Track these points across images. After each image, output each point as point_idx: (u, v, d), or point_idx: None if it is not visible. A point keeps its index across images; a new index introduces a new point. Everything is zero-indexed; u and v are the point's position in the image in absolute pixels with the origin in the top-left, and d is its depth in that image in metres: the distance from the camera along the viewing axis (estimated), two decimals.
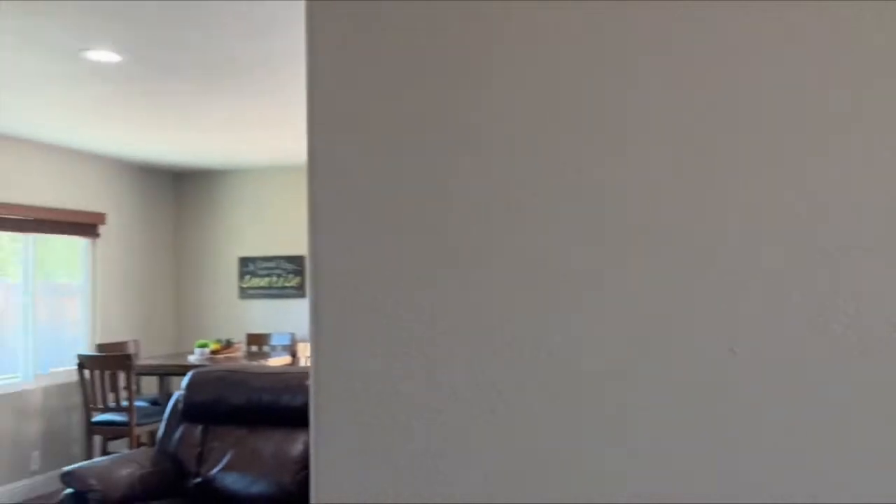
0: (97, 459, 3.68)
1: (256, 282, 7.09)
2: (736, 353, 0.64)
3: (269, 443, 3.54)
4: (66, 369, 5.91)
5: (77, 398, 5.87)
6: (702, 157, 0.66)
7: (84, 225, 6.19)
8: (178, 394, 3.88)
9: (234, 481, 3.47)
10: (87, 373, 5.43)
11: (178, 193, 7.37)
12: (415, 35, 0.73)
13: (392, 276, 0.72)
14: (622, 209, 0.67)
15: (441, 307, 0.70)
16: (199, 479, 3.54)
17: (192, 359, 5.75)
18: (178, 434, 3.73)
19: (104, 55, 3.42)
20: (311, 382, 0.73)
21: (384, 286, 0.72)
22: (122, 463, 3.55)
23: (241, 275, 7.14)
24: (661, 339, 0.65)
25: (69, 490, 3.37)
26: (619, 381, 0.66)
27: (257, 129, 5.15)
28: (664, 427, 0.65)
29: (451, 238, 0.71)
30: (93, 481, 3.34)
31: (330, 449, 0.72)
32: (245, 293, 7.13)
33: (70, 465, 4.77)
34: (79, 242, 6.27)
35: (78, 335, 6.24)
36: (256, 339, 6.68)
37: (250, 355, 6.13)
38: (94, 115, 4.66)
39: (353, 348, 0.72)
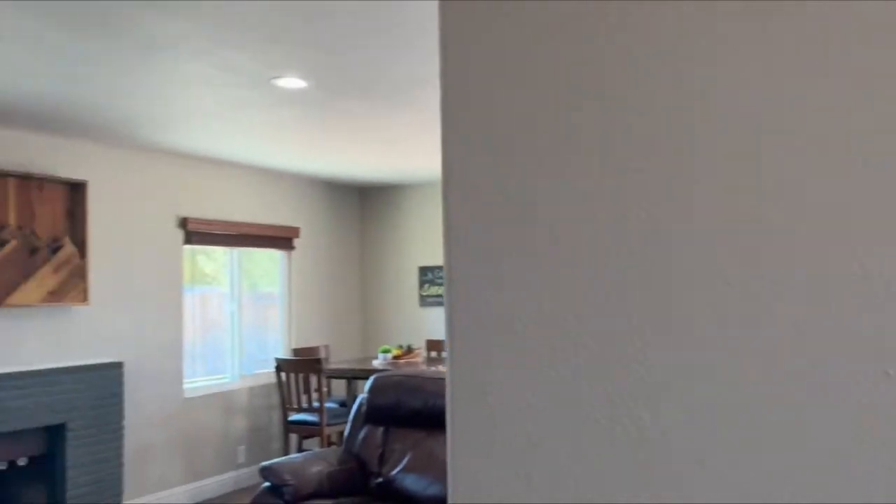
0: (292, 456, 3.97)
1: (435, 290, 7.32)
2: (891, 376, 0.58)
3: (444, 446, 3.64)
4: (268, 371, 6.43)
5: (276, 398, 6.37)
6: (873, 156, 0.60)
7: (281, 239, 6.71)
8: (361, 397, 4.09)
9: (412, 483, 3.60)
10: (283, 375, 5.88)
11: (363, 207, 7.79)
12: (553, 43, 0.73)
13: (524, 289, 0.72)
14: (771, 216, 0.63)
15: (573, 322, 0.70)
16: (380, 479, 3.71)
17: (376, 363, 6.04)
18: (361, 435, 3.94)
19: (292, 82, 3.70)
20: (447, 392, 0.75)
21: (516, 300, 0.72)
22: (312, 461, 3.80)
23: (421, 283, 7.41)
24: (811, 359, 0.61)
25: (266, 484, 3.67)
26: (764, 404, 0.62)
27: (436, 143, 5.33)
28: (809, 450, 0.60)
29: (584, 251, 0.70)
30: (287, 476, 3.61)
31: (464, 454, 0.74)
32: (425, 301, 7.38)
33: (270, 460, 5.17)
34: (277, 255, 6.81)
35: (278, 340, 6.77)
36: (435, 345, 6.90)
37: (430, 361, 6.34)
38: (285, 136, 5.06)
39: (486, 360, 0.73)
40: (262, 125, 4.68)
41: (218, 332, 6.23)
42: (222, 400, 6.07)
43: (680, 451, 0.65)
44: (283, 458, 3.90)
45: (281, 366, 5.88)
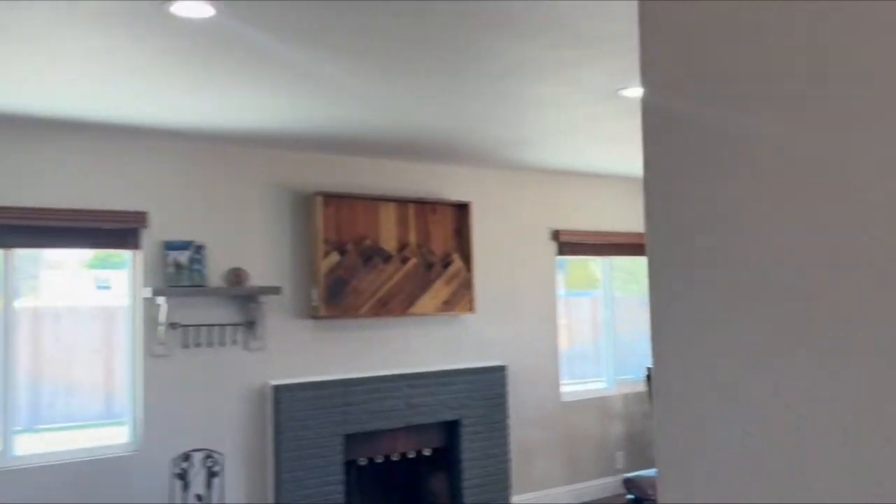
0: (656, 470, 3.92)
1: None
2: None
3: None
4: (643, 377, 6.42)
5: (649, 406, 6.31)
6: None
7: (642, 245, 6.65)
8: None
9: None
10: None
11: None
12: (758, 62, 0.66)
13: (729, 339, 0.65)
14: None
15: (787, 384, 0.61)
16: None
17: None
18: None
19: (637, 91, 3.68)
20: (654, 421, 0.71)
21: (721, 348, 0.66)
22: None
23: None
24: None
25: (630, 496, 3.67)
26: None
27: None
28: None
29: (788, 295, 0.61)
30: (650, 491, 3.58)
31: (673, 465, 0.69)
32: None
33: (648, 468, 5.14)
34: (643, 261, 6.77)
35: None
36: None
37: None
38: (637, 144, 5.02)
39: (694, 393, 0.68)
40: (614, 136, 4.72)
41: (595, 335, 6.42)
42: (599, 404, 6.21)
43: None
44: (648, 470, 3.86)
45: (650, 374, 5.82)
